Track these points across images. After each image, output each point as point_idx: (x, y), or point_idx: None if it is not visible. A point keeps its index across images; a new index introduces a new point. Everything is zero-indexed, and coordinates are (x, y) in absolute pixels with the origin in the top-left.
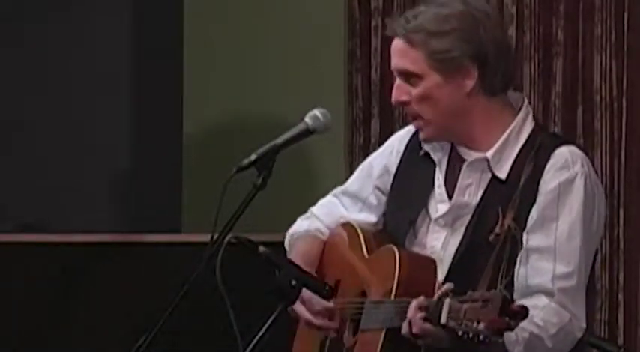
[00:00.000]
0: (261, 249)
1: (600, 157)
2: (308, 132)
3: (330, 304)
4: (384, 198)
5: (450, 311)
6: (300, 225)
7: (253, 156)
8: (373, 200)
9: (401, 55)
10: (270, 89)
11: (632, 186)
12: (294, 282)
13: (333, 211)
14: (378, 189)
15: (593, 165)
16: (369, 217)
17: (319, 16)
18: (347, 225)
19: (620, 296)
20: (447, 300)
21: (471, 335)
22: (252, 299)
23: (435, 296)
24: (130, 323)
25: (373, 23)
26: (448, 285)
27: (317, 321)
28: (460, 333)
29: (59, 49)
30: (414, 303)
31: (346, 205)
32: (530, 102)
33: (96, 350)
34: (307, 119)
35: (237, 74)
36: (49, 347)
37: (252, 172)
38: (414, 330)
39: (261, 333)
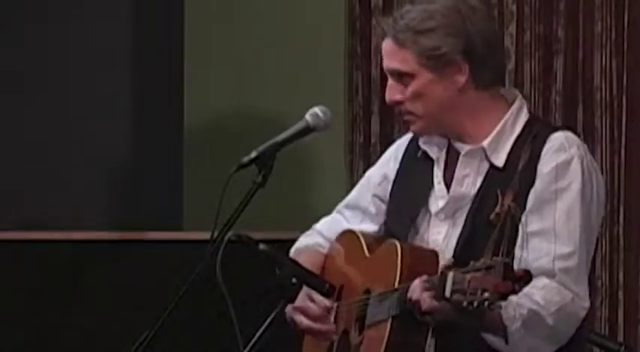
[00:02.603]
0: (262, 246)
1: (601, 155)
2: (308, 129)
3: (327, 302)
4: (383, 207)
5: (453, 283)
6: (301, 241)
7: (254, 154)
8: (372, 209)
9: (391, 55)
10: (271, 87)
11: (633, 184)
12: (294, 280)
13: (336, 225)
14: (377, 197)
15: None
16: (371, 227)
17: (319, 14)
18: (346, 232)
19: (621, 294)
20: (450, 273)
21: (476, 304)
22: (252, 297)
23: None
24: (130, 320)
25: (373, 21)
26: (449, 259)
27: (316, 326)
28: (465, 304)
29: (59, 49)
30: (416, 281)
31: (348, 218)
32: (530, 100)
33: (96, 348)
34: (308, 117)
35: (238, 72)
36: (50, 346)
37: (253, 170)
38: (423, 307)
39: (261, 331)
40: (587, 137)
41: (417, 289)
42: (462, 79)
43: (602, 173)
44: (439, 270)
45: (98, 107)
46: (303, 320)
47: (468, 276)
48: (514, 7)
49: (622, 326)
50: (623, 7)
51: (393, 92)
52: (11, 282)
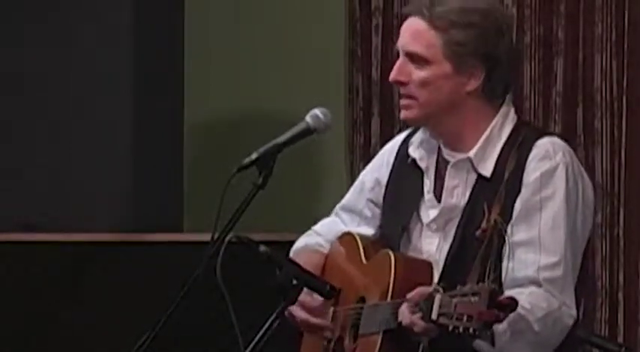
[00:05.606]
0: (262, 248)
1: (600, 156)
2: (309, 131)
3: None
4: (377, 210)
5: (440, 307)
6: (301, 241)
7: (254, 156)
8: (367, 212)
9: (417, 35)
10: (271, 89)
11: (633, 185)
12: (295, 281)
13: (334, 227)
14: (371, 201)
15: (593, 164)
16: (368, 230)
17: (320, 15)
18: (346, 235)
19: (621, 296)
20: (438, 296)
21: (461, 329)
22: (252, 299)
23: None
24: (131, 322)
25: (374, 22)
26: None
27: (313, 319)
28: (451, 328)
29: (59, 49)
30: (403, 307)
31: (345, 221)
32: (530, 102)
33: (97, 349)
34: (308, 118)
35: (238, 74)
36: (50, 346)
37: (253, 172)
38: (416, 330)
39: (262, 332)
40: (587, 138)
41: (405, 313)
42: (474, 83)
43: (601, 174)
44: (431, 288)
45: (98, 107)
46: (300, 313)
47: (455, 301)
48: (514, 9)
49: (622, 327)
50: (623, 9)
51: (400, 72)
52: (12, 283)
